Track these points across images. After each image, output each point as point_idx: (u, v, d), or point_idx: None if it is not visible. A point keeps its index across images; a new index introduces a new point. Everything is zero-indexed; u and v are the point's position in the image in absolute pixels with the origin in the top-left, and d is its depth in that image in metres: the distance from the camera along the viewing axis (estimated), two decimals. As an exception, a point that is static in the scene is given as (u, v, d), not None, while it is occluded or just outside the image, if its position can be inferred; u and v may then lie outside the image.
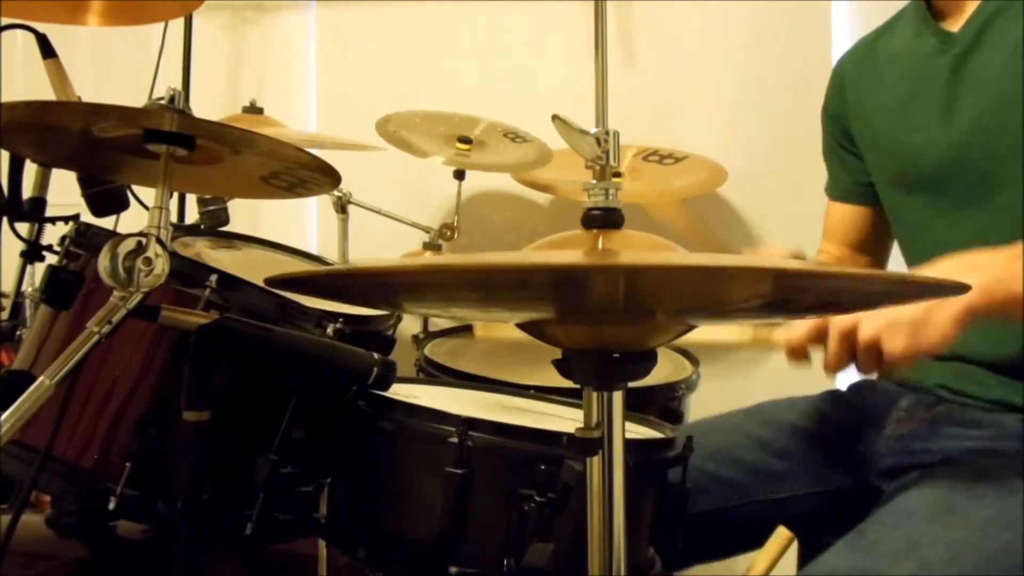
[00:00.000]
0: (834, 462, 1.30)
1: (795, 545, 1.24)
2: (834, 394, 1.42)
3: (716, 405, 1.41)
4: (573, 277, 0.68)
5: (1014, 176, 1.21)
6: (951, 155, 1.26)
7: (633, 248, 0.85)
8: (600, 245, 0.83)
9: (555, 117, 0.81)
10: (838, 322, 1.07)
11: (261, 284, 1.26)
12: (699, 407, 1.70)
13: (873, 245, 1.48)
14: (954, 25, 1.28)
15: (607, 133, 0.83)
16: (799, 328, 1.11)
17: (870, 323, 1.05)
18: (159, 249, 1.04)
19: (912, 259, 1.39)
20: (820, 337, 1.09)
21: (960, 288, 0.72)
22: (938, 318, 1.04)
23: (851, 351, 1.07)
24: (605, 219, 0.83)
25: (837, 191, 1.51)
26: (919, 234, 1.35)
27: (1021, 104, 1.19)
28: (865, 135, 1.41)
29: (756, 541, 1.29)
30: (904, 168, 1.34)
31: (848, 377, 1.49)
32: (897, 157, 1.35)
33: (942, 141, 1.27)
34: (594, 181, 0.83)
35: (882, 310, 1.06)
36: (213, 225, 1.61)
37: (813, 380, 1.44)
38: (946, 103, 1.27)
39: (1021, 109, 1.19)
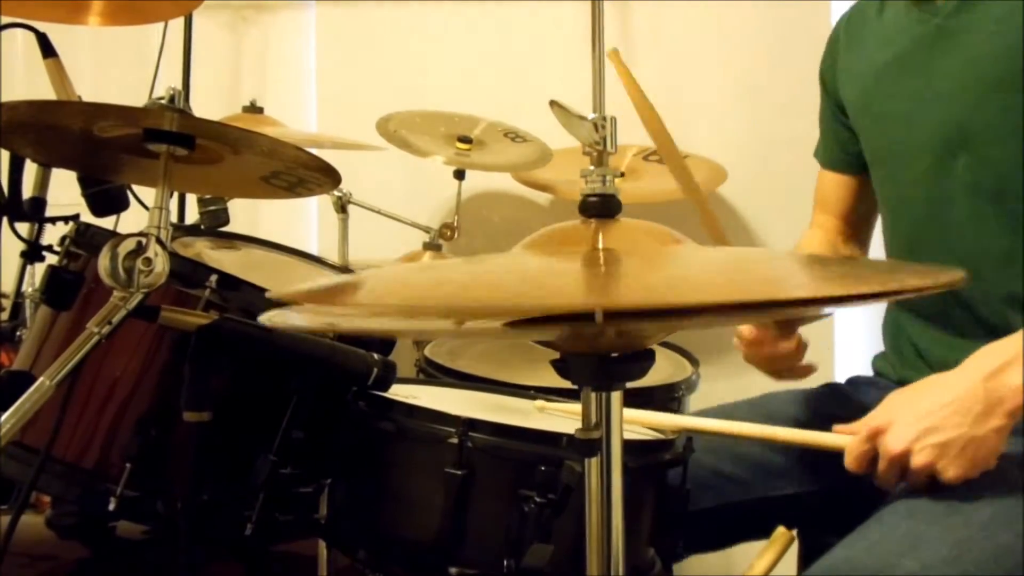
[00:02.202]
0: (837, 460, 1.29)
1: (795, 545, 1.24)
2: (833, 388, 1.41)
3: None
4: (564, 322, 0.67)
5: (991, 152, 1.20)
6: (928, 127, 1.26)
7: (634, 241, 0.83)
8: (600, 242, 0.82)
9: (553, 103, 0.81)
10: (889, 447, 1.06)
11: (261, 284, 1.26)
12: (699, 407, 1.70)
13: (861, 216, 1.49)
14: None
15: (604, 118, 0.82)
16: (853, 456, 1.10)
17: (920, 449, 1.04)
18: (159, 249, 1.04)
19: (891, 232, 1.39)
20: (872, 460, 1.09)
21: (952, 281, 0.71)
22: (985, 429, 1.04)
23: (903, 471, 1.07)
24: (602, 206, 0.83)
25: (827, 158, 1.51)
26: (896, 206, 1.36)
27: (1001, 81, 1.19)
28: (851, 104, 1.42)
29: (756, 535, 1.29)
30: (883, 138, 1.34)
31: (844, 370, 1.50)
32: (877, 127, 1.35)
33: (919, 112, 1.27)
34: (591, 167, 0.83)
35: (921, 417, 1.05)
36: (213, 225, 1.61)
37: (812, 381, 1.44)
38: (923, 74, 1.27)
39: (1002, 87, 1.18)
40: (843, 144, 1.46)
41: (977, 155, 1.21)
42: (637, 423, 1.24)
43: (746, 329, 1.34)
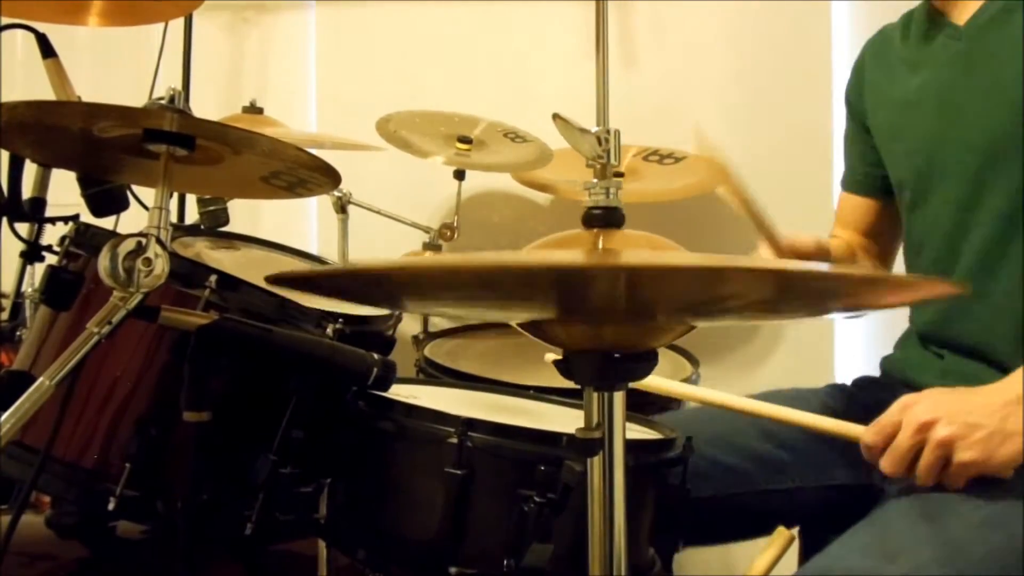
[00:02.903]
0: (838, 458, 1.29)
1: (795, 545, 1.24)
2: (838, 387, 1.41)
3: (716, 405, 1.41)
4: (575, 277, 0.67)
5: (1013, 176, 1.20)
6: (957, 151, 1.26)
7: (634, 248, 0.85)
8: (600, 245, 0.83)
9: (556, 116, 0.81)
10: (915, 415, 1.07)
11: (261, 284, 1.26)
12: (698, 407, 1.70)
13: (883, 235, 1.49)
14: (960, 17, 1.28)
15: (608, 132, 0.82)
16: (877, 427, 1.10)
17: (948, 422, 1.05)
18: (159, 249, 1.04)
19: (915, 257, 1.39)
20: (895, 434, 1.08)
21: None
22: (1016, 428, 1.04)
23: (920, 447, 1.06)
24: (606, 218, 0.83)
25: (853, 182, 1.51)
26: (924, 230, 1.35)
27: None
28: (880, 130, 1.42)
29: (755, 530, 1.29)
30: (912, 163, 1.34)
31: (845, 371, 1.50)
32: (907, 152, 1.35)
33: (948, 137, 1.27)
34: (595, 180, 0.83)
35: (959, 409, 1.06)
36: (213, 225, 1.61)
37: (813, 381, 1.44)
38: (947, 99, 1.27)
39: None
40: (869, 168, 1.46)
41: (1008, 178, 1.21)
42: (656, 390, 1.24)
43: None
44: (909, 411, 1.08)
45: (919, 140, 1.31)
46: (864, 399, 1.35)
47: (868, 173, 1.47)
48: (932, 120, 1.29)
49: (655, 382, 1.26)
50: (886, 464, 1.08)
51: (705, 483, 1.23)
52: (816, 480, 1.30)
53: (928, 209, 1.31)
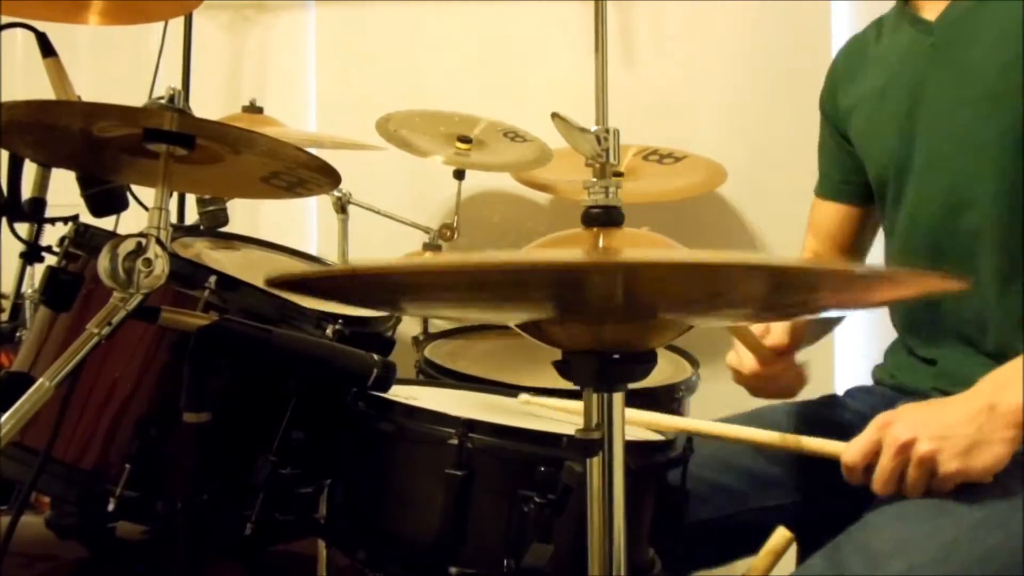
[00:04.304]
0: (833, 467, 1.29)
1: (795, 546, 1.24)
2: (832, 398, 1.41)
3: (716, 407, 1.41)
4: (572, 276, 0.67)
5: (991, 170, 1.20)
6: (928, 145, 1.26)
7: (633, 246, 0.85)
8: (600, 244, 0.82)
9: (555, 115, 0.81)
10: (894, 436, 1.07)
11: (260, 285, 1.26)
12: (699, 409, 1.70)
13: (859, 246, 1.49)
14: (932, 13, 1.28)
15: (607, 131, 0.82)
16: (856, 446, 1.10)
17: (927, 438, 1.05)
18: (159, 250, 1.04)
19: (892, 254, 1.39)
20: (876, 452, 1.09)
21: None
22: (991, 436, 1.05)
23: (904, 466, 1.07)
24: (605, 217, 0.83)
25: (829, 189, 1.51)
26: (898, 225, 1.35)
27: (1000, 94, 1.18)
28: (857, 131, 1.41)
29: (755, 547, 1.29)
30: (887, 159, 1.34)
31: (845, 381, 1.50)
32: (882, 149, 1.35)
33: (919, 130, 1.27)
34: (594, 179, 0.83)
35: (935, 423, 1.07)
36: (212, 226, 1.61)
37: (812, 389, 1.44)
38: (919, 92, 1.27)
39: (1002, 100, 1.18)
40: (846, 174, 1.46)
41: (985, 165, 1.21)
42: (637, 423, 1.24)
43: (741, 364, 1.35)
44: (887, 431, 1.08)
45: (893, 136, 1.31)
46: (857, 407, 1.36)
47: (843, 179, 1.46)
48: (904, 114, 1.29)
49: (635, 415, 1.25)
50: (876, 486, 1.09)
51: (703, 506, 1.23)
52: (812, 493, 1.29)
53: (908, 204, 1.31)
